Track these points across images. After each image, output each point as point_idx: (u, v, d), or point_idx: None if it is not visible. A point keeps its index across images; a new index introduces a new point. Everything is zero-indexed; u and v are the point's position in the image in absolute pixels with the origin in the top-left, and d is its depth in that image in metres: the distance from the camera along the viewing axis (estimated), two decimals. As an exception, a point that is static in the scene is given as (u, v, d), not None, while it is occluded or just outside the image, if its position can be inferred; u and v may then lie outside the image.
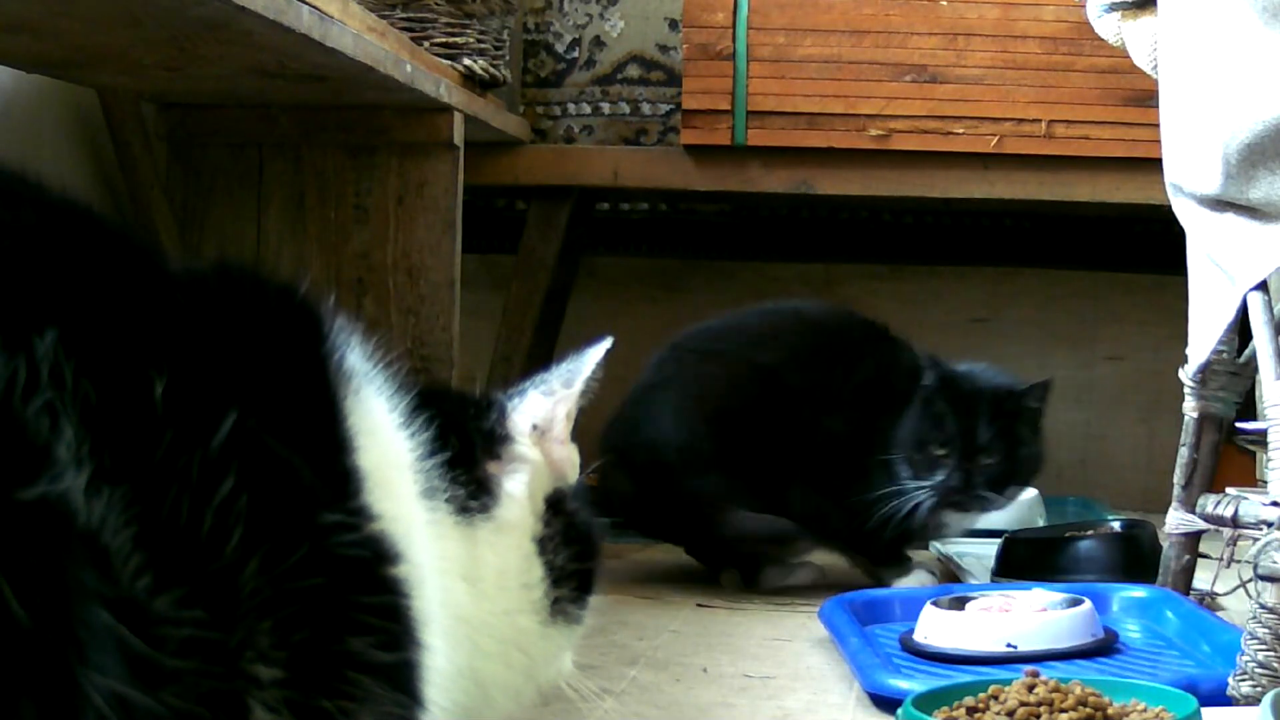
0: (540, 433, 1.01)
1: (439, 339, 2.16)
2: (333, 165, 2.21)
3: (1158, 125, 1.68)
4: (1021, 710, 1.22)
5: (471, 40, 2.39)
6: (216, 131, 2.24)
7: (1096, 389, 3.14)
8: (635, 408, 2.11)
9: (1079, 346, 3.15)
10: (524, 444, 1.00)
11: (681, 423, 2.06)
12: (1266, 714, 1.05)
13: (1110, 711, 1.22)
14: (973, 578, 2.08)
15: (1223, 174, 1.49)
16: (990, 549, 2.17)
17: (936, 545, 2.30)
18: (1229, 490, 1.65)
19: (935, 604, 1.63)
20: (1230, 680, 1.34)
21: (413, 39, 2.23)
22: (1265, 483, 1.42)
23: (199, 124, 2.24)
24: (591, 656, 1.59)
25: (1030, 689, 1.25)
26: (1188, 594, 1.73)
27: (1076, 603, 1.63)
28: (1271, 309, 1.50)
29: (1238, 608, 1.68)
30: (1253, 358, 1.60)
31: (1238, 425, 1.65)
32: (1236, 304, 1.53)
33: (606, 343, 1.06)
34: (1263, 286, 1.51)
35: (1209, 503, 1.56)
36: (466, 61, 2.35)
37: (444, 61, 2.29)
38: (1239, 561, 1.50)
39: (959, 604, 1.64)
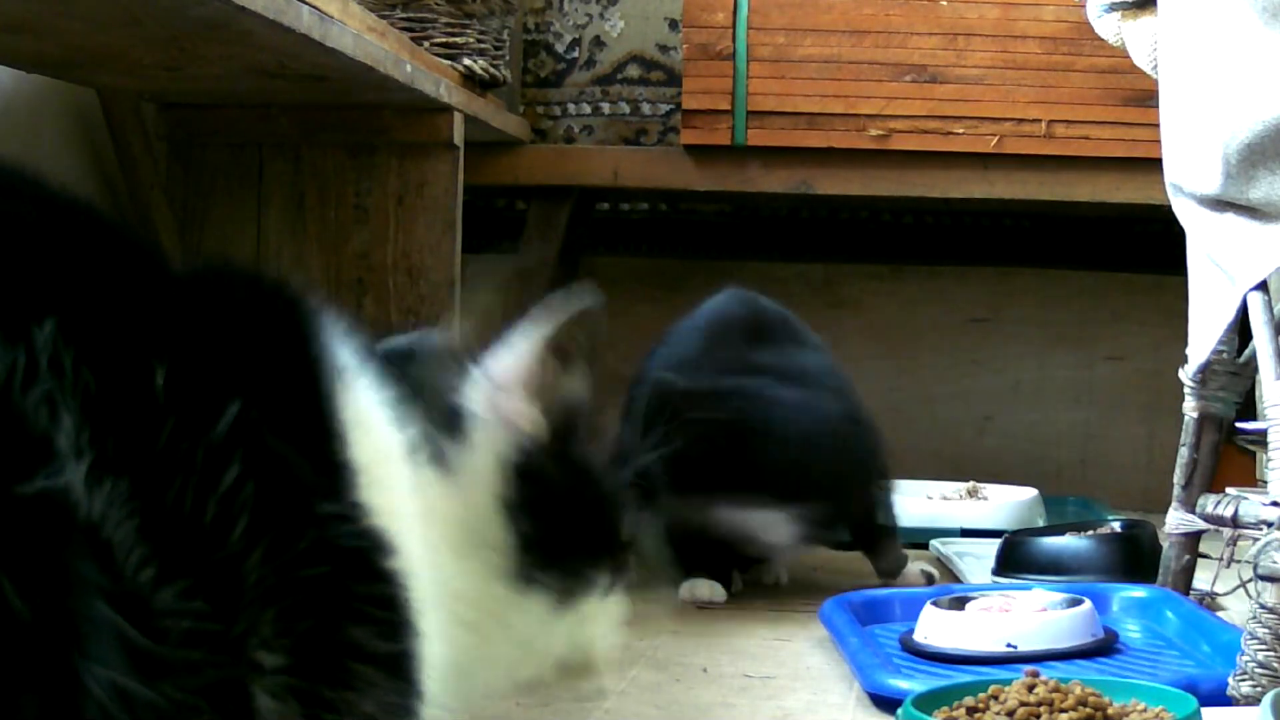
0: (502, 388, 0.96)
1: (439, 339, 2.16)
2: (333, 165, 2.21)
3: (1158, 125, 1.68)
4: (1021, 710, 1.22)
5: (471, 40, 2.39)
6: (216, 131, 2.24)
7: (1096, 389, 3.14)
8: None
9: (1079, 346, 3.15)
10: (482, 400, 0.95)
11: None
12: (1266, 714, 1.05)
13: (1110, 711, 1.22)
14: (968, 578, 2.08)
15: (1223, 174, 1.49)
16: (990, 549, 2.17)
17: (936, 545, 2.31)
18: (1229, 490, 1.65)
19: (935, 604, 1.63)
20: (1230, 680, 1.34)
21: (413, 39, 2.23)
22: (1265, 483, 1.42)
23: (199, 124, 2.24)
24: (591, 656, 1.60)
25: (1030, 689, 1.25)
26: (1188, 594, 1.73)
27: (1076, 603, 1.63)
28: (1271, 309, 1.50)
29: (1238, 608, 1.68)
30: (1253, 358, 1.60)
31: (1238, 425, 1.65)
32: (1236, 304, 1.53)
33: (585, 296, 1.02)
34: (1263, 286, 1.51)
35: (1209, 503, 1.56)
36: (466, 61, 2.35)
37: (444, 61, 2.29)
38: (1239, 561, 1.50)
39: (959, 604, 1.64)
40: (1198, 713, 1.20)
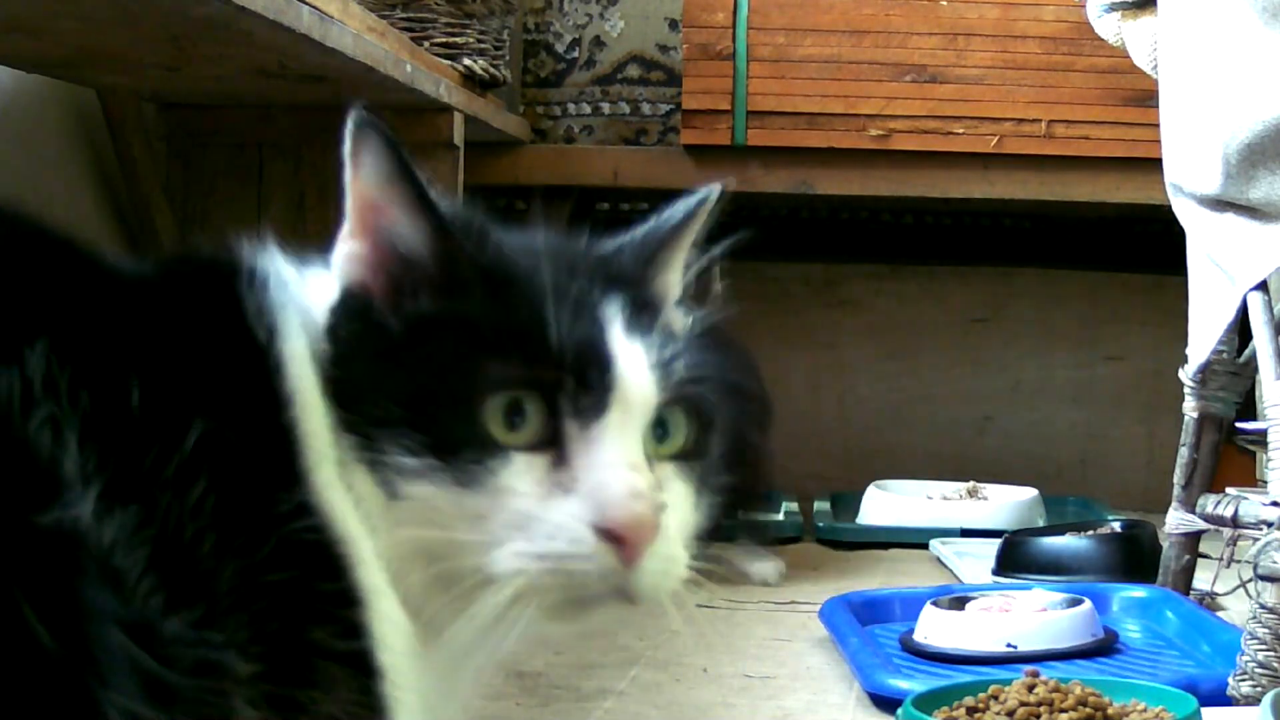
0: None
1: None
2: (333, 165, 2.20)
3: (1158, 125, 1.68)
4: (1021, 710, 1.22)
5: (471, 40, 2.39)
6: (216, 131, 2.23)
7: (1096, 389, 3.14)
8: None
9: (1079, 346, 3.15)
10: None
11: None
12: (1266, 714, 1.05)
13: (1110, 711, 1.22)
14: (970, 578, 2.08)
15: (1223, 174, 1.49)
16: (990, 549, 2.17)
17: (936, 545, 2.31)
18: (1229, 490, 1.65)
19: (935, 604, 1.63)
20: (1230, 680, 1.34)
21: (413, 39, 2.23)
22: (1265, 483, 1.42)
23: (199, 124, 2.24)
24: (592, 656, 1.60)
25: (1030, 689, 1.25)
26: (1188, 594, 1.73)
27: (1076, 603, 1.63)
28: (1271, 309, 1.50)
29: (1238, 608, 1.68)
30: (1253, 358, 1.60)
31: (1238, 425, 1.65)
32: (1236, 304, 1.53)
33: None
34: (1263, 286, 1.51)
35: (1209, 503, 1.56)
36: (466, 61, 2.35)
37: (444, 61, 2.29)
38: (1239, 561, 1.50)
39: (959, 604, 1.64)
40: (1198, 713, 1.20)
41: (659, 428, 0.78)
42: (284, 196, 2.23)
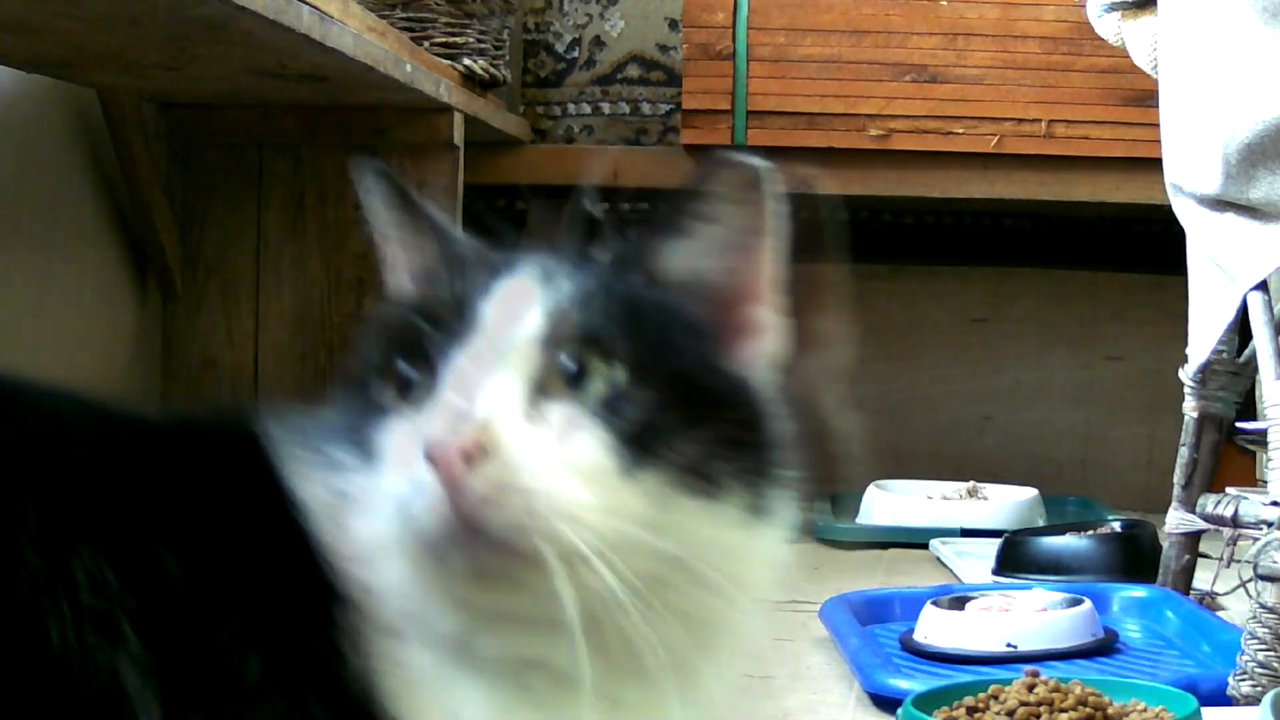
0: None
1: (439, 339, 2.16)
2: (333, 165, 2.21)
3: (1158, 125, 1.68)
4: (1021, 710, 1.22)
5: (471, 40, 2.39)
6: (216, 131, 2.24)
7: (1096, 389, 3.14)
8: None
9: (1079, 346, 3.15)
10: None
11: None
12: (1266, 714, 1.05)
13: (1110, 711, 1.22)
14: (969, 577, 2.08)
15: (1223, 174, 1.49)
16: (990, 549, 2.17)
17: (936, 545, 2.30)
18: (1229, 490, 1.65)
19: (935, 604, 1.63)
20: (1230, 680, 1.34)
21: (413, 39, 2.23)
22: (1265, 483, 1.42)
23: (199, 124, 2.24)
24: (591, 656, 1.60)
25: (1030, 689, 1.25)
26: (1188, 594, 1.73)
27: (1076, 603, 1.63)
28: (1271, 309, 1.50)
29: (1238, 608, 1.68)
30: (1253, 358, 1.60)
31: (1238, 425, 1.65)
32: (1236, 304, 1.53)
33: None
34: (1263, 286, 1.51)
35: (1209, 503, 1.56)
36: (466, 61, 2.35)
37: (444, 61, 2.29)
38: (1239, 561, 1.50)
39: (959, 604, 1.64)
40: (1198, 713, 1.20)
41: (576, 376, 0.72)
42: (284, 196, 2.23)
